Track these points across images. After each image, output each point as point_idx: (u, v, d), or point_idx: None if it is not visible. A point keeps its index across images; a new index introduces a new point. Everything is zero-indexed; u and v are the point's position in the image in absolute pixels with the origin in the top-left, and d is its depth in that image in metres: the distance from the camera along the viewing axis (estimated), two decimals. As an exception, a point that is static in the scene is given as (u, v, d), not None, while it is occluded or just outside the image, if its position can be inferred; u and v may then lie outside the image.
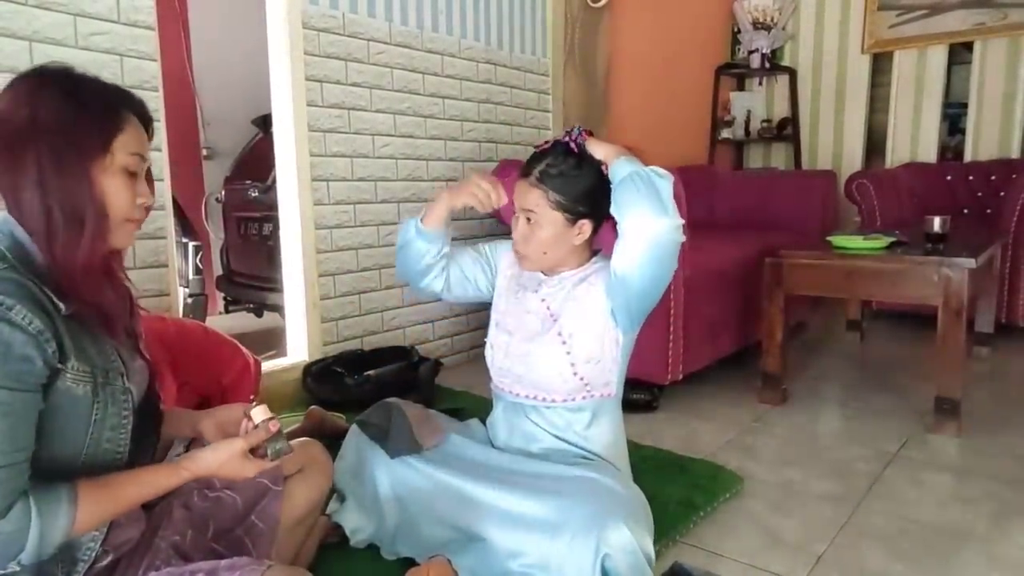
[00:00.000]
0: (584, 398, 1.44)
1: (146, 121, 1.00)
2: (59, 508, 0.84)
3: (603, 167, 1.38)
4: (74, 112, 0.90)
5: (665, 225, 1.29)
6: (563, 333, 1.41)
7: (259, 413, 1.00)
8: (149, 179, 1.01)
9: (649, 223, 1.29)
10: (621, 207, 1.31)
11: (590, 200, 1.39)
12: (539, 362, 1.42)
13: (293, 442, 1.35)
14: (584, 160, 1.39)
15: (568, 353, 1.41)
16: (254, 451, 1.00)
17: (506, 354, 1.48)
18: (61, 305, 0.88)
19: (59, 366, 0.88)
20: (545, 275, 1.49)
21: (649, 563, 1.25)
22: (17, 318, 0.83)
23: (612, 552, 1.19)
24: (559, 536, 1.23)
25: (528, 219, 1.39)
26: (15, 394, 0.83)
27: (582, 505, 1.25)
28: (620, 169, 1.33)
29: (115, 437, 0.96)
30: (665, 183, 1.31)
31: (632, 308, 1.39)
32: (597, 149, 1.39)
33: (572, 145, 1.39)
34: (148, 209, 0.99)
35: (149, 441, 1.11)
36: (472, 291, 1.59)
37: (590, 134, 1.42)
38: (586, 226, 1.42)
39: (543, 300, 1.46)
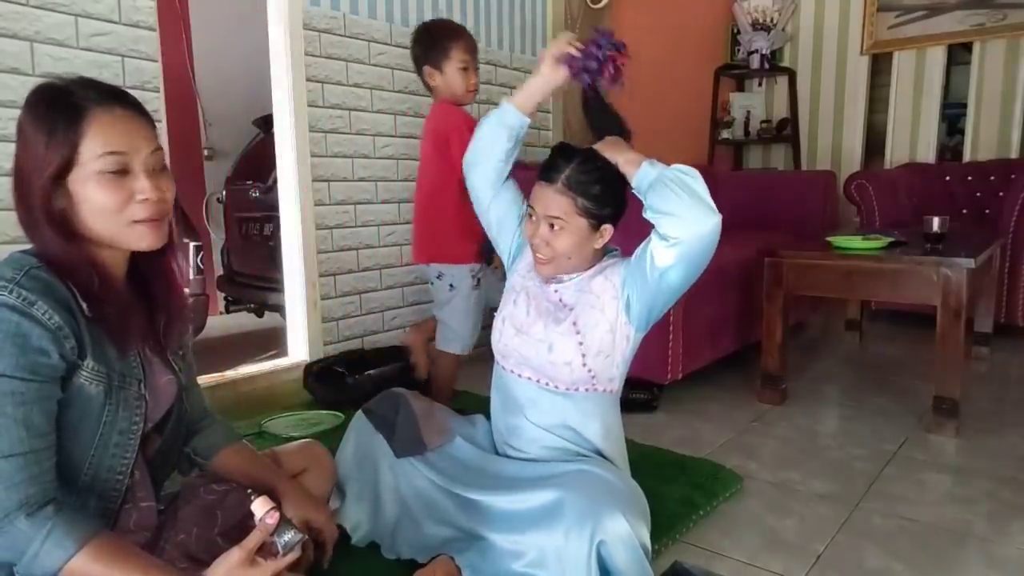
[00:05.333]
0: (587, 390, 1.44)
1: (141, 113, 0.98)
2: (66, 539, 0.84)
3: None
4: (32, 136, 0.91)
5: (713, 224, 1.28)
6: (577, 323, 1.40)
7: (258, 507, 0.90)
8: (156, 171, 0.98)
9: (697, 224, 1.27)
10: (663, 213, 1.28)
11: (615, 203, 1.38)
12: (551, 350, 1.41)
13: (295, 443, 1.37)
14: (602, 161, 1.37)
15: (581, 344, 1.40)
16: (263, 549, 0.90)
17: (517, 332, 1.46)
18: (84, 306, 0.92)
19: (76, 361, 0.91)
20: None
21: (646, 554, 1.25)
22: (38, 313, 0.87)
23: (608, 540, 1.19)
24: (556, 527, 1.23)
25: (552, 225, 1.36)
26: (29, 384, 0.86)
27: (578, 496, 1.24)
28: (646, 174, 1.31)
29: (123, 442, 0.97)
30: (697, 182, 1.29)
31: (660, 304, 1.40)
32: (614, 155, 1.37)
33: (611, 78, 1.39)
34: (161, 203, 0.97)
35: (172, 458, 1.12)
36: (495, 228, 1.57)
37: (621, 50, 1.38)
38: (608, 230, 1.41)
39: (556, 291, 1.46)
